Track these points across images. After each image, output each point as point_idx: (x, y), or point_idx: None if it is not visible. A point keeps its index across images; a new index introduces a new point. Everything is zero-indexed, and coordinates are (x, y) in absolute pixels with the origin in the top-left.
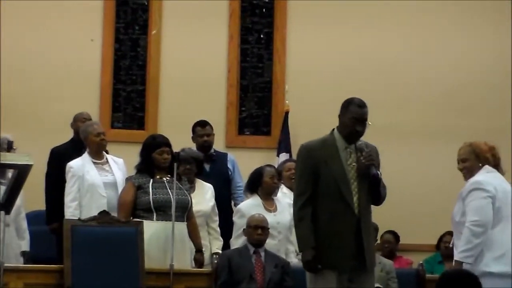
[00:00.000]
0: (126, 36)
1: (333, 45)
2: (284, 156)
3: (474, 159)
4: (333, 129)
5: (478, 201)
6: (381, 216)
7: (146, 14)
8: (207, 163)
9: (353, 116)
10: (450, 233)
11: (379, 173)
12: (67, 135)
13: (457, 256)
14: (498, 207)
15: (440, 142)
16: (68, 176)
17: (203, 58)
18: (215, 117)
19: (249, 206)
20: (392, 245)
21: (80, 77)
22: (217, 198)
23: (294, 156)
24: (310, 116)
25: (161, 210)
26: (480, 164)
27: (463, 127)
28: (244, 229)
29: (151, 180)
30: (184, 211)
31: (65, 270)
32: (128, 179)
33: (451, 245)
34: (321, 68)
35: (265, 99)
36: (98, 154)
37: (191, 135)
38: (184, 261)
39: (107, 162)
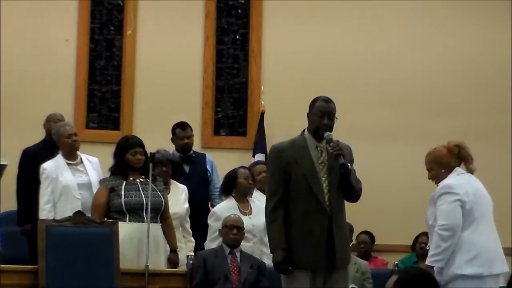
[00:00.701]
0: (101, 37)
1: (309, 46)
2: (259, 157)
3: (436, 167)
4: (304, 130)
5: (447, 205)
6: (357, 217)
7: (122, 14)
8: (186, 165)
9: (319, 110)
10: (425, 234)
11: (349, 165)
12: (42, 135)
13: (427, 260)
14: (470, 209)
15: (416, 143)
16: (42, 178)
17: (178, 58)
18: (191, 117)
19: (224, 209)
20: (367, 245)
21: (55, 77)
22: (196, 199)
23: None
24: (285, 117)
25: (134, 212)
26: (443, 170)
27: (440, 128)
28: (219, 230)
29: (124, 182)
30: (158, 212)
31: (40, 270)
32: (101, 181)
33: (427, 248)
34: (297, 69)
35: (241, 99)
36: (71, 155)
37: (170, 136)
38: (158, 262)
39: (82, 162)
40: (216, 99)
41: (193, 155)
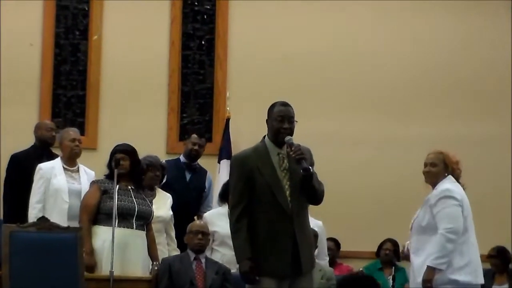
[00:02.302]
0: (66, 41)
1: (275, 52)
2: (225, 163)
3: (442, 166)
4: (264, 137)
5: (451, 208)
6: (322, 224)
7: (87, 19)
8: (188, 172)
9: (279, 114)
10: (390, 241)
11: (310, 168)
12: (6, 139)
13: (430, 262)
14: (465, 217)
15: (383, 150)
16: (37, 177)
17: (144, 64)
18: (156, 123)
19: (214, 215)
20: (333, 252)
21: (19, 82)
22: (187, 207)
23: None
24: (251, 123)
25: (124, 217)
26: (446, 174)
27: (407, 136)
28: (185, 236)
29: (117, 186)
30: (146, 221)
31: (3, 276)
32: (94, 182)
33: (406, 249)
34: (262, 75)
35: (207, 105)
36: (70, 160)
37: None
38: (141, 268)
39: (78, 171)
40: (182, 105)
41: (197, 165)
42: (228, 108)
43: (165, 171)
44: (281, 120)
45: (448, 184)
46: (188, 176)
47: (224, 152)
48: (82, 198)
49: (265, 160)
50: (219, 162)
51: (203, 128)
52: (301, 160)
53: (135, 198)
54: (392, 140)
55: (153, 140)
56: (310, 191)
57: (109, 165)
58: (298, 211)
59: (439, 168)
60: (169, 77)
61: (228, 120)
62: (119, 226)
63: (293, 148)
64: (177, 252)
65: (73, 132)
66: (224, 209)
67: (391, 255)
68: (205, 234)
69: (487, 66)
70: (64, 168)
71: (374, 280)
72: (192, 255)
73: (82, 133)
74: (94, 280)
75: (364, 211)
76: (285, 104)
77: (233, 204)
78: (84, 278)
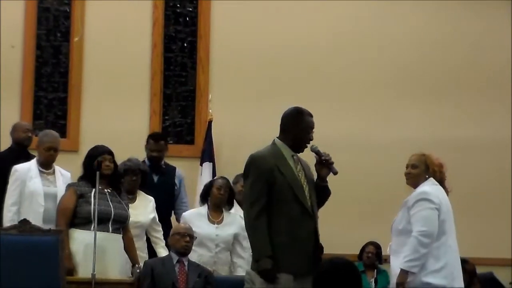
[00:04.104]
0: (47, 43)
1: (258, 54)
2: (207, 166)
3: (423, 168)
4: (274, 140)
5: (426, 211)
6: None
7: (68, 21)
8: (155, 174)
9: (308, 125)
10: (372, 244)
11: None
12: None
13: (403, 265)
14: (442, 220)
15: (364, 153)
16: (12, 179)
17: (126, 66)
18: (138, 125)
19: (193, 215)
20: None
21: (0, 84)
22: (159, 210)
23: (218, 165)
24: (233, 126)
25: (100, 222)
26: (427, 176)
27: (388, 139)
28: (168, 237)
29: (94, 190)
30: (122, 225)
31: None
32: (70, 186)
33: (388, 252)
34: (244, 78)
35: (189, 107)
36: (45, 165)
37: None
38: (119, 271)
39: (54, 173)
40: (164, 107)
41: (164, 166)
42: (210, 111)
43: (146, 174)
44: (309, 131)
45: (427, 186)
46: (155, 178)
47: (206, 154)
48: (58, 201)
49: (282, 161)
50: (201, 165)
51: (184, 130)
52: (331, 164)
53: (111, 202)
54: (374, 142)
55: (135, 142)
56: (325, 197)
57: (89, 167)
58: (315, 209)
59: (420, 170)
60: (151, 79)
61: (210, 122)
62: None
63: (322, 155)
64: (165, 250)
65: (49, 140)
66: (203, 210)
67: (374, 258)
68: (192, 237)
69: (485, 67)
70: (40, 171)
71: (354, 266)
72: (175, 258)
73: (64, 135)
74: (76, 283)
75: (346, 213)
76: (311, 115)
77: (252, 201)
78: (65, 281)
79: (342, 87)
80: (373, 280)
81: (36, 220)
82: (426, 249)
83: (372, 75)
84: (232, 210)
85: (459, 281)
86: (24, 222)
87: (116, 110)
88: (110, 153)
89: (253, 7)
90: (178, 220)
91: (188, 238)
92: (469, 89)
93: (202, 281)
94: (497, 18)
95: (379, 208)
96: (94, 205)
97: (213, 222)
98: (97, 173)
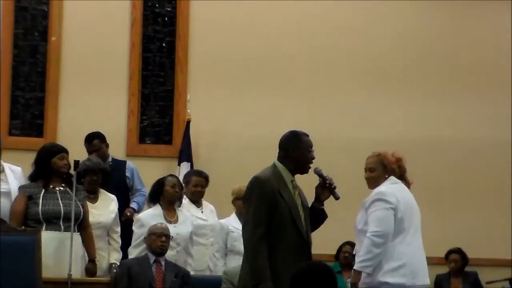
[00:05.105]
0: (25, 42)
1: (237, 54)
2: (185, 165)
3: (381, 169)
4: (274, 163)
5: (380, 211)
6: None
7: (46, 20)
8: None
9: (308, 144)
10: (349, 243)
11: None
12: None
13: (356, 265)
14: (400, 219)
15: (343, 152)
16: None
17: (104, 66)
18: (116, 125)
19: (149, 216)
20: None
21: None
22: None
23: (196, 165)
24: (211, 126)
25: (50, 221)
26: (386, 175)
27: (368, 139)
28: (144, 237)
29: (43, 190)
30: (76, 222)
31: None
32: (20, 188)
33: (354, 253)
34: (223, 78)
35: (167, 108)
36: None
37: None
38: (75, 271)
39: (3, 171)
40: (142, 107)
41: (111, 163)
42: (188, 111)
43: (107, 173)
44: (311, 150)
45: (383, 186)
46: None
47: (184, 154)
48: (12, 198)
49: (283, 185)
50: (179, 165)
51: (162, 130)
52: (334, 189)
53: (61, 200)
54: (358, 144)
55: (113, 142)
56: (319, 223)
57: (41, 166)
58: (310, 235)
59: (378, 172)
60: (129, 79)
61: (188, 122)
62: (46, 229)
63: (326, 178)
64: (118, 253)
65: None
66: (157, 210)
67: (350, 258)
68: (168, 237)
69: (484, 67)
70: None
71: (329, 268)
72: (152, 258)
73: (41, 135)
74: (52, 283)
75: None
76: (307, 135)
77: (256, 224)
78: (41, 281)
79: (322, 87)
80: (349, 280)
81: None
82: (379, 249)
83: (354, 73)
84: (181, 208)
85: (422, 278)
86: (0, 221)
87: (93, 110)
88: (67, 152)
89: (231, 7)
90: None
91: (164, 238)
92: (465, 88)
93: (179, 281)
94: (497, 18)
95: (356, 209)
96: (73, 203)
97: (169, 222)
98: (74, 173)
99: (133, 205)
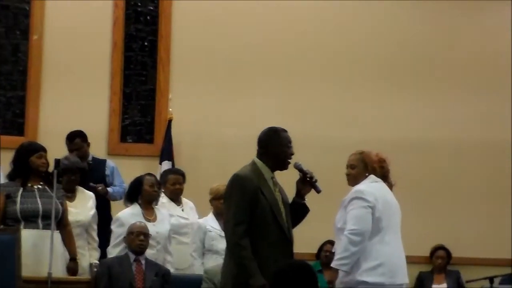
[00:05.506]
0: (6, 41)
1: (219, 54)
2: (166, 164)
3: (362, 167)
4: (253, 160)
5: (358, 210)
6: None
7: (28, 19)
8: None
9: (286, 140)
10: (330, 242)
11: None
12: None
13: (333, 263)
14: (378, 217)
15: (325, 152)
16: None
17: (85, 65)
18: (98, 124)
19: (128, 215)
20: None
21: None
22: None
23: (177, 164)
24: (193, 125)
25: (29, 220)
26: (367, 174)
27: (351, 138)
28: (124, 237)
29: (21, 189)
30: (56, 219)
31: None
32: None
33: (333, 250)
34: (205, 77)
35: (149, 107)
36: None
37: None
38: (55, 270)
39: None
40: (124, 106)
41: (91, 162)
42: (170, 110)
43: (85, 172)
44: (291, 146)
45: (363, 185)
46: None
47: (166, 153)
48: None
49: (264, 182)
50: (160, 164)
51: (144, 129)
52: (315, 183)
53: (40, 198)
54: (335, 143)
55: (94, 141)
56: (301, 218)
57: (19, 165)
58: (291, 231)
59: (359, 169)
60: (111, 78)
61: (170, 121)
62: (25, 228)
63: (306, 173)
64: (97, 252)
65: None
66: (136, 209)
67: (331, 256)
68: (147, 235)
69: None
70: None
71: (310, 267)
72: (132, 257)
73: (22, 133)
74: (33, 282)
75: None
76: (286, 131)
77: (237, 222)
78: (22, 279)
79: (304, 86)
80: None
81: None
82: (356, 248)
83: (338, 72)
84: (159, 207)
85: (401, 277)
86: None
87: (75, 109)
88: (45, 150)
89: (214, 6)
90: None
91: (142, 237)
92: (451, 89)
93: (159, 279)
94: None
95: (337, 207)
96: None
97: (148, 220)
98: (55, 171)
99: (109, 189)
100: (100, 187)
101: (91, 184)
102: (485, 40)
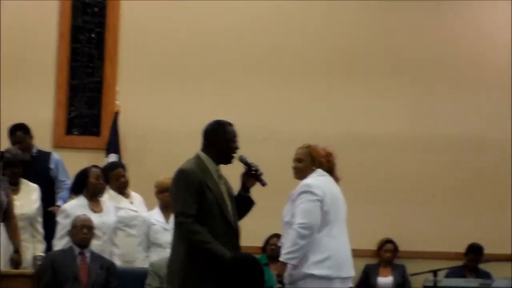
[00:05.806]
0: None
1: (169, 46)
2: (113, 157)
3: (309, 161)
4: (197, 153)
5: (307, 204)
6: None
7: None
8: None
9: (232, 134)
10: (276, 236)
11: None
12: None
13: (282, 256)
14: (326, 211)
15: (272, 145)
16: None
17: (31, 56)
18: (43, 116)
19: (74, 207)
20: None
21: None
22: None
23: (124, 158)
24: (140, 118)
25: None
26: (314, 167)
27: (300, 132)
28: (68, 230)
29: None
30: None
31: None
32: None
33: (279, 245)
34: (155, 69)
35: (95, 99)
36: None
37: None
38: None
39: None
40: (70, 98)
41: (35, 154)
42: (117, 102)
43: (28, 164)
44: (236, 140)
45: (310, 178)
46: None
47: (112, 146)
48: None
49: (208, 176)
50: (106, 156)
51: (90, 122)
52: (261, 176)
53: None
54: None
55: (40, 133)
56: (247, 211)
57: None
58: (237, 223)
59: (306, 163)
60: (57, 70)
61: (116, 114)
62: None
63: (252, 166)
64: (42, 244)
65: None
66: (82, 201)
67: (278, 250)
68: (90, 228)
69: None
70: None
71: (256, 260)
72: (76, 250)
73: None
74: None
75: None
76: (232, 124)
77: (186, 216)
78: None
79: (253, 79)
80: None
81: None
82: (304, 241)
83: (288, 66)
84: (104, 199)
85: (348, 270)
86: None
87: (20, 101)
88: None
89: (163, 0)
90: (56, 200)
91: (85, 230)
92: (408, 84)
93: (104, 272)
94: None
95: (284, 201)
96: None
97: (95, 212)
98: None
99: (59, 202)
100: (53, 209)
101: (49, 209)
102: (438, 35)
